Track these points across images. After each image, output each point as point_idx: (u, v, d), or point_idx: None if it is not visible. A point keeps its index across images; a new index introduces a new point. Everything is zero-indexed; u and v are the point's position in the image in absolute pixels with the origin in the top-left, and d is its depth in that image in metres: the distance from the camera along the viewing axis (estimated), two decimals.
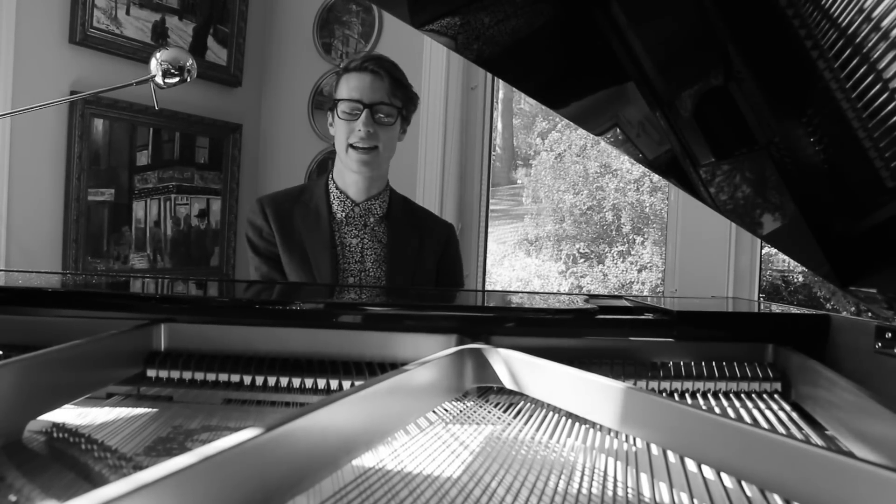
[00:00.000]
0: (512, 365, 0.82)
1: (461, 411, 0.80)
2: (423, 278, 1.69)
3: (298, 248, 1.64)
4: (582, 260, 3.41)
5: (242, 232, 3.17)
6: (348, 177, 1.67)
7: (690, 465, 0.65)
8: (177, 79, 1.43)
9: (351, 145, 1.60)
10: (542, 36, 0.78)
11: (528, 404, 0.83)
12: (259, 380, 0.86)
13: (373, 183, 1.68)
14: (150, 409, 0.80)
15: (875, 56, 0.57)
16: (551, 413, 0.80)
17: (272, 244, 1.67)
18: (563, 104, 0.88)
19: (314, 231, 1.65)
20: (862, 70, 0.59)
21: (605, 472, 0.64)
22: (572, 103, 0.87)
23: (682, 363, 0.91)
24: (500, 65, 0.83)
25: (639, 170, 3.24)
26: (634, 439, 0.71)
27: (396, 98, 1.61)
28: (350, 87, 1.59)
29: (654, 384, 0.89)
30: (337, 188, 1.69)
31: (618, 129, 0.88)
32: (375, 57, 1.63)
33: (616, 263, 3.32)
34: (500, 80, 2.83)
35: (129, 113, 2.65)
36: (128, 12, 2.61)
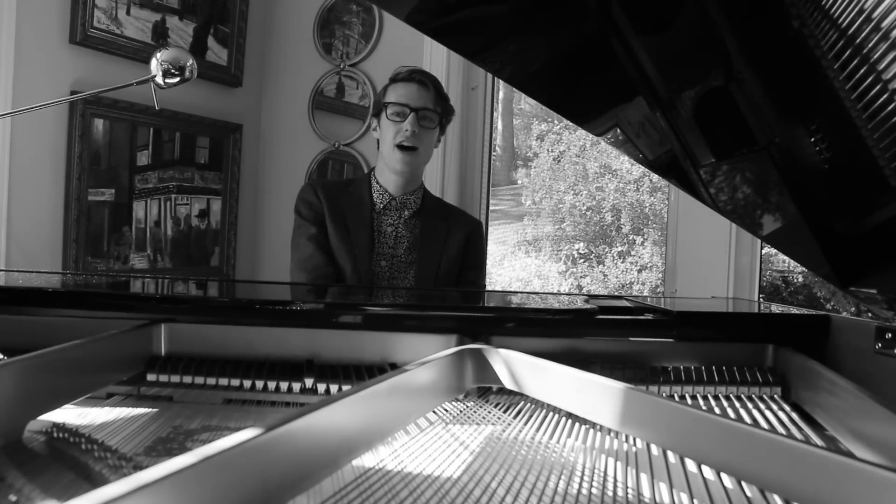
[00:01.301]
0: (512, 365, 0.82)
1: (461, 411, 0.80)
2: (449, 265, 1.87)
3: (342, 224, 1.83)
4: (582, 260, 3.41)
5: (242, 232, 3.18)
6: (388, 175, 1.86)
7: (690, 465, 0.65)
8: (177, 79, 1.43)
9: (397, 145, 1.78)
10: (545, 42, 0.78)
11: (528, 405, 0.83)
12: (259, 380, 0.86)
13: (409, 182, 1.87)
14: (150, 410, 0.80)
15: (875, 57, 0.57)
16: (551, 413, 0.80)
17: (320, 214, 1.84)
18: (564, 105, 0.88)
19: (357, 213, 1.85)
20: (862, 70, 0.59)
21: (605, 472, 0.64)
22: (573, 104, 0.87)
23: (682, 367, 0.92)
24: (501, 66, 0.83)
25: (638, 170, 3.24)
26: (634, 440, 0.71)
27: (439, 106, 1.82)
28: (398, 94, 1.79)
29: (654, 388, 0.89)
30: (378, 183, 1.88)
31: (618, 130, 0.88)
32: (422, 70, 1.86)
33: (616, 264, 3.31)
34: (501, 81, 2.83)
35: (130, 113, 2.65)
36: (128, 12, 2.61)
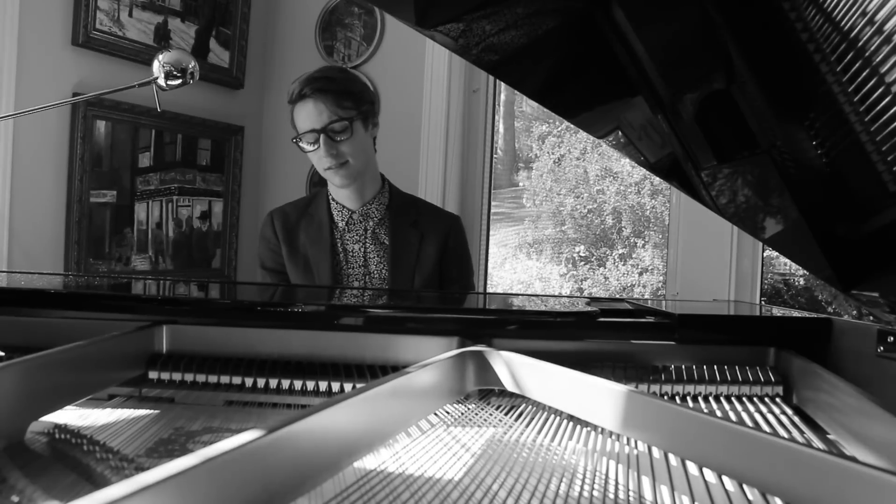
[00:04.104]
0: (513, 367, 0.82)
1: (462, 414, 0.80)
2: (425, 278, 1.71)
3: (302, 258, 1.72)
4: (583, 263, 3.41)
5: (244, 234, 3.18)
6: (339, 191, 1.74)
7: (692, 468, 0.65)
8: (179, 81, 1.43)
9: (326, 169, 1.66)
10: (546, 40, 0.78)
11: (530, 407, 0.83)
12: (261, 382, 0.86)
13: (364, 190, 1.73)
14: (151, 411, 0.80)
15: (878, 59, 0.57)
16: (553, 416, 0.80)
17: (279, 255, 1.76)
18: (566, 107, 0.88)
19: (316, 241, 1.72)
20: (864, 73, 0.59)
21: (607, 475, 0.64)
22: (575, 107, 0.87)
23: (683, 367, 0.91)
24: (503, 69, 0.83)
25: (639, 173, 3.24)
26: (636, 442, 0.71)
27: (345, 109, 1.62)
28: (300, 120, 1.64)
29: (655, 388, 0.89)
30: (334, 200, 1.76)
31: (619, 132, 0.88)
32: (310, 79, 1.64)
33: (617, 266, 3.31)
34: (502, 83, 2.84)
35: (132, 115, 2.66)
36: (130, 14, 2.62)
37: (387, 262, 1.71)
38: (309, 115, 1.62)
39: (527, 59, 0.81)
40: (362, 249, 1.73)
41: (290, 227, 1.76)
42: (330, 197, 1.76)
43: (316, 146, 1.63)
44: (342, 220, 1.74)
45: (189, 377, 0.87)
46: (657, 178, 3.05)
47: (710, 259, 2.36)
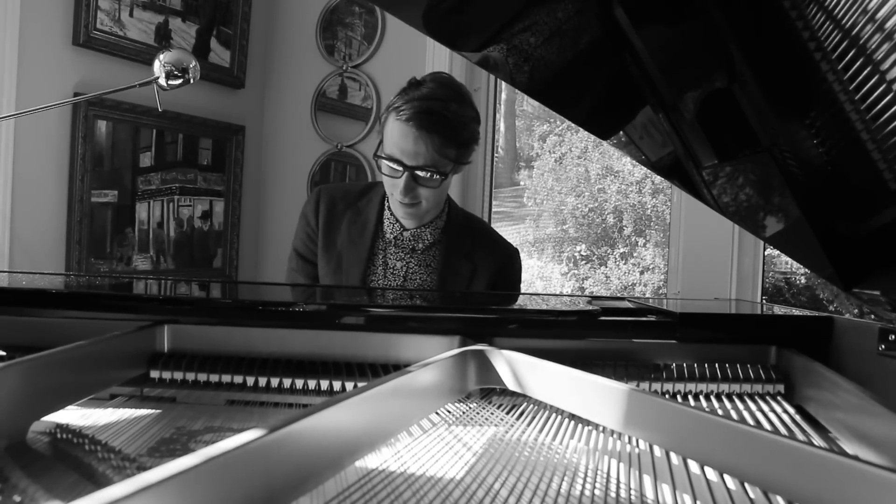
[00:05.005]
0: (515, 366, 0.82)
1: (464, 413, 0.80)
2: None
3: (336, 256, 1.59)
4: (584, 262, 3.40)
5: (245, 233, 3.19)
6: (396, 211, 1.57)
7: (693, 466, 0.65)
8: (180, 80, 1.44)
9: (394, 197, 1.51)
10: (549, 42, 0.78)
11: (531, 406, 0.83)
12: (262, 381, 0.86)
13: (424, 217, 1.56)
14: (153, 411, 0.80)
15: (879, 58, 0.57)
16: (554, 414, 0.80)
17: (313, 242, 1.63)
18: (570, 109, 0.88)
19: (355, 244, 1.58)
20: (865, 72, 0.58)
21: (608, 473, 0.64)
22: (578, 107, 0.87)
23: (684, 365, 0.91)
24: (508, 71, 0.83)
25: (640, 172, 3.24)
26: (637, 441, 0.71)
27: (445, 157, 1.41)
28: (393, 139, 1.41)
29: (656, 386, 0.89)
30: (389, 208, 1.59)
31: (621, 132, 0.88)
32: (423, 110, 1.37)
33: (618, 265, 3.31)
34: (503, 83, 2.83)
35: (133, 114, 2.66)
36: (131, 14, 2.62)
37: (429, 286, 1.58)
38: (404, 144, 1.39)
39: (531, 61, 0.81)
40: (405, 268, 1.58)
41: (334, 216, 1.60)
42: (386, 202, 1.58)
43: (395, 175, 1.44)
44: (391, 233, 1.57)
45: (190, 376, 0.87)
46: (658, 177, 3.06)
47: (711, 258, 2.36)
